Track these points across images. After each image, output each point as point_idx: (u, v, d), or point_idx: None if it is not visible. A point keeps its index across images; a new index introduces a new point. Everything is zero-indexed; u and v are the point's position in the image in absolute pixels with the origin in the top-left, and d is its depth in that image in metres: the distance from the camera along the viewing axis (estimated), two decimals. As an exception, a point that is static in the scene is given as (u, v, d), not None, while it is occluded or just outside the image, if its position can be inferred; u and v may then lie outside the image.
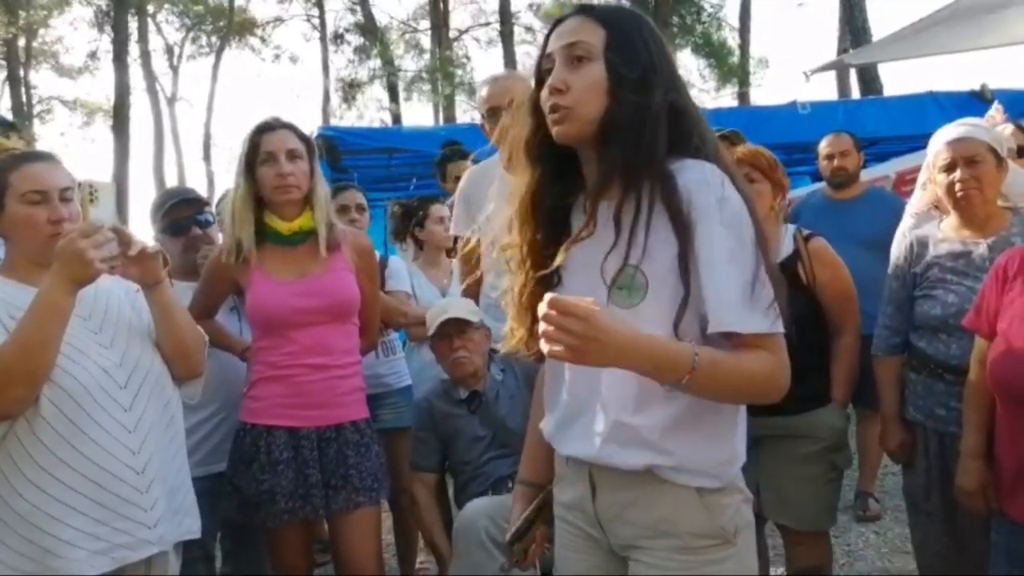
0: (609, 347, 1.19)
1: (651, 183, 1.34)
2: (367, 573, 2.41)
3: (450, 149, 4.20)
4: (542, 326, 1.20)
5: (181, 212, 2.71)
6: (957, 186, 2.30)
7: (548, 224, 1.49)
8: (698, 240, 1.31)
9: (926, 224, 2.51)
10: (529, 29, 24.73)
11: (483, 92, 2.78)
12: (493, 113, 2.70)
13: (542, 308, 1.19)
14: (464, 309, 2.73)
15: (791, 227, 2.60)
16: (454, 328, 2.71)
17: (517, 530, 1.65)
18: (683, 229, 1.31)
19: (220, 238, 3.09)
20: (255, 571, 2.75)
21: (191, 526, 2.01)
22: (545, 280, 1.48)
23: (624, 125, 1.35)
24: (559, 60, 1.40)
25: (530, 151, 1.49)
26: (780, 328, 1.33)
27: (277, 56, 27.03)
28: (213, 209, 3.01)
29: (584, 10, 1.43)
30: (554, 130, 1.41)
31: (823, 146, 4.21)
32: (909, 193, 5.06)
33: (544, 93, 1.41)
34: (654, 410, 1.36)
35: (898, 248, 2.74)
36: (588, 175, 1.46)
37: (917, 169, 5.08)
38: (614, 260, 1.37)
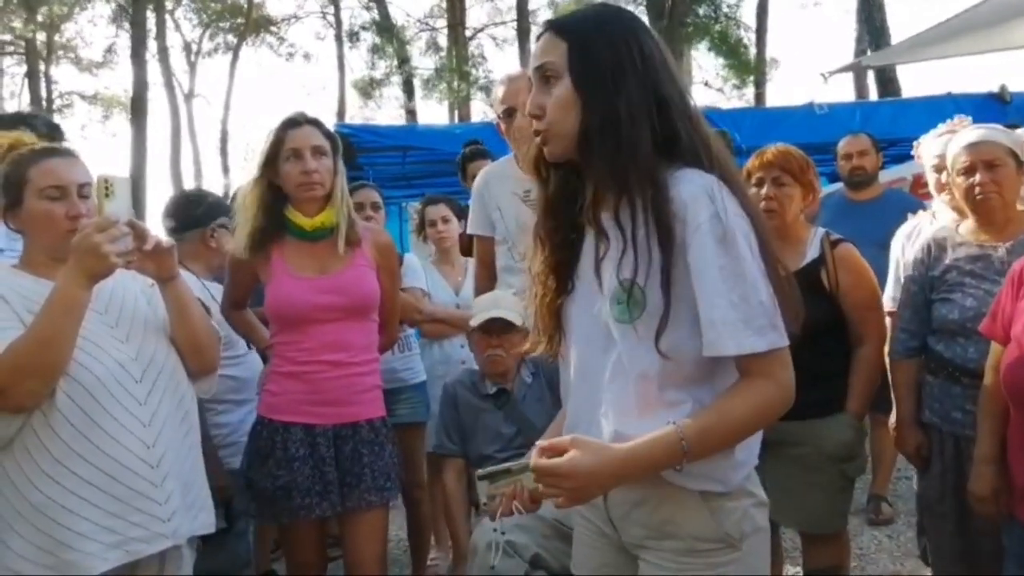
0: (599, 484, 1.32)
1: (643, 191, 1.32)
2: (372, 573, 2.40)
3: (471, 149, 4.19)
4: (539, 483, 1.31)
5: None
6: (976, 189, 2.28)
7: (562, 237, 1.50)
8: (691, 256, 1.29)
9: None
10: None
11: (498, 92, 2.78)
12: (509, 113, 2.70)
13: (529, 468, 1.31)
14: (511, 309, 2.72)
15: (820, 230, 2.55)
16: (497, 327, 2.71)
17: (491, 471, 1.62)
18: (667, 244, 1.30)
19: None
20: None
21: (205, 521, 2.01)
22: (562, 288, 1.50)
23: (597, 131, 1.34)
24: (534, 85, 1.41)
25: (537, 171, 1.50)
26: (780, 343, 1.31)
27: (291, 55, 27.14)
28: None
29: (548, 25, 1.42)
30: (544, 151, 1.42)
31: (841, 146, 4.20)
32: (926, 195, 5.04)
33: None
34: (656, 416, 1.35)
35: (897, 249, 2.88)
36: (588, 188, 1.45)
37: (935, 171, 5.03)
38: (614, 273, 1.36)
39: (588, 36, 1.37)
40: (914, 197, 4.67)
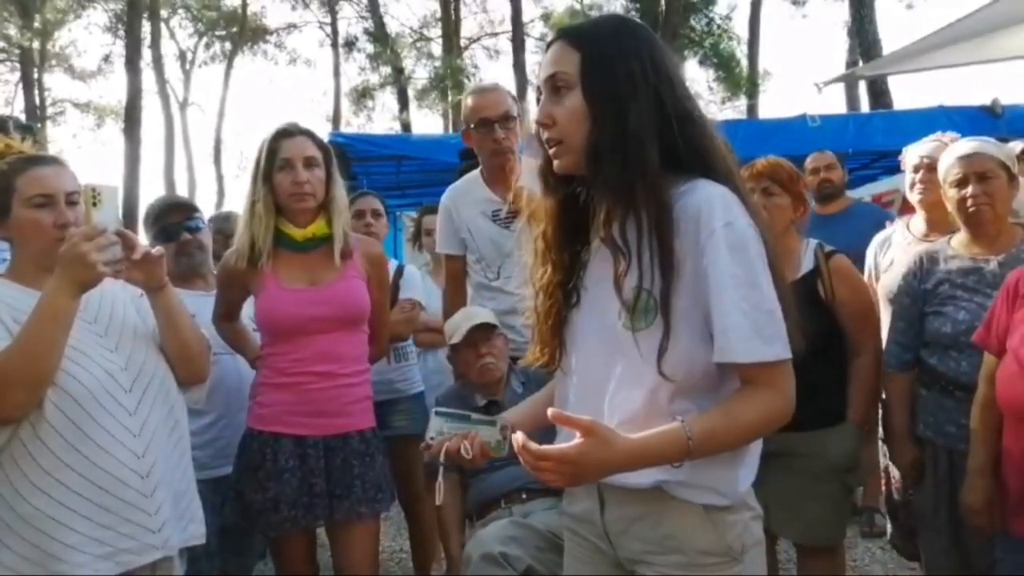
0: (603, 472, 1.31)
1: (648, 209, 1.32)
2: None
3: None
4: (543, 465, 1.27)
5: (171, 218, 2.74)
6: (969, 201, 2.29)
7: (568, 249, 1.50)
8: (705, 262, 1.29)
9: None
10: (540, 39, 24.81)
11: (470, 102, 2.78)
12: (484, 123, 2.71)
13: (532, 459, 1.27)
14: (485, 315, 2.72)
15: (812, 242, 2.56)
16: (481, 334, 2.69)
17: (450, 411, 1.62)
18: (668, 266, 1.30)
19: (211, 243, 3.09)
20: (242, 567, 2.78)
21: (196, 531, 2.00)
22: (566, 301, 1.49)
23: (606, 147, 1.33)
24: (544, 93, 1.41)
25: (545, 182, 1.50)
26: (785, 355, 1.31)
27: (292, 61, 27.17)
28: (206, 216, 3.02)
29: (563, 33, 1.42)
30: (554, 164, 1.42)
31: (808, 162, 4.33)
32: (908, 208, 5.14)
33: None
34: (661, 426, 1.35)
35: (870, 257, 3.01)
36: (597, 201, 1.45)
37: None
38: (627, 281, 1.36)
39: (603, 49, 1.36)
40: (881, 208, 4.74)
